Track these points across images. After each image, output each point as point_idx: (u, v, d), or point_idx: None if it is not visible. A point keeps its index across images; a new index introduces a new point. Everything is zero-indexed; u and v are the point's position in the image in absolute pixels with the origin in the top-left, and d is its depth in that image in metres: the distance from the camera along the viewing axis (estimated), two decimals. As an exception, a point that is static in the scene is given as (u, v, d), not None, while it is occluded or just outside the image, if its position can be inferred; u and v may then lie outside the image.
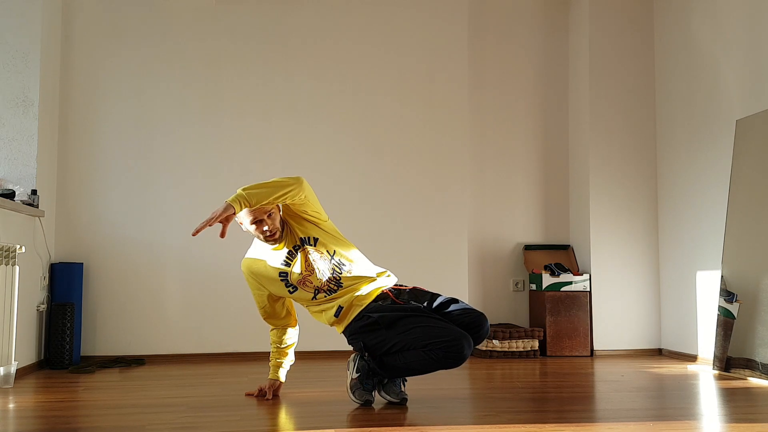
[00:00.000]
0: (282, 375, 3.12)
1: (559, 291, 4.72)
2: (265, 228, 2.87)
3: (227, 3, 4.66)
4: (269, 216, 2.86)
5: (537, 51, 5.16)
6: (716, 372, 3.94)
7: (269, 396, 3.06)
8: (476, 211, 4.97)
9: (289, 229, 2.96)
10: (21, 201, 3.73)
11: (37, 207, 3.88)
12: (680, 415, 2.81)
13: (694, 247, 4.47)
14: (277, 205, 2.90)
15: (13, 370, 3.38)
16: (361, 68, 4.79)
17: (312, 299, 2.97)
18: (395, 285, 3.04)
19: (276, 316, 3.10)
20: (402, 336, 2.78)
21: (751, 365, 3.74)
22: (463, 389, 3.38)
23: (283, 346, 3.12)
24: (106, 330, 4.37)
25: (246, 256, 3.08)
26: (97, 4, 4.52)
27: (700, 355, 4.36)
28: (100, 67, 4.50)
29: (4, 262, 3.33)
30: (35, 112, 4.03)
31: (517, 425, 2.53)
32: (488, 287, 4.98)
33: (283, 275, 2.95)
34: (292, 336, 3.15)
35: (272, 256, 2.97)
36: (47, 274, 4.15)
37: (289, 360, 3.15)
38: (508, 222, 5.05)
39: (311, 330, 3.62)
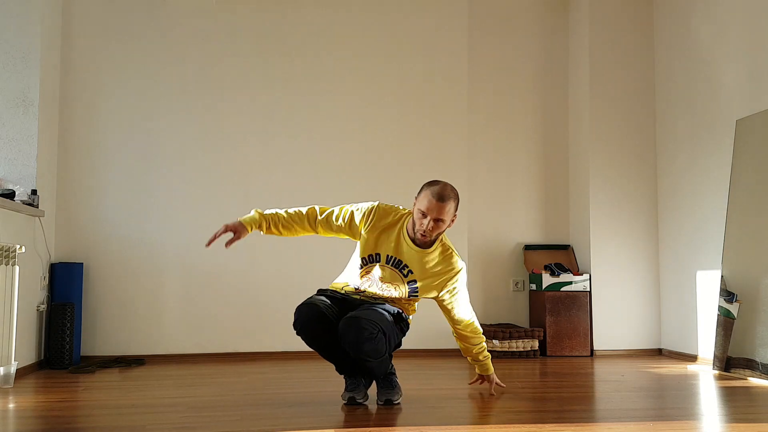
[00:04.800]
0: (253, 230, 2.91)
1: (559, 291, 4.72)
2: (431, 227, 2.80)
3: (227, 3, 4.66)
4: (442, 221, 2.80)
5: (537, 51, 5.16)
6: (716, 372, 3.94)
7: (228, 236, 2.85)
8: (476, 211, 4.97)
9: (398, 245, 2.90)
10: (21, 201, 3.73)
11: (37, 207, 3.88)
12: (680, 415, 2.81)
13: (694, 247, 4.47)
14: (452, 220, 2.85)
15: (13, 370, 3.38)
16: (361, 68, 4.79)
17: (354, 289, 2.98)
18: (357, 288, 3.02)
19: (302, 230, 2.97)
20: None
21: (751, 365, 3.74)
22: (463, 389, 3.38)
23: (279, 227, 2.95)
24: (106, 330, 4.37)
25: (383, 204, 3.00)
26: (97, 4, 4.52)
27: (700, 355, 4.36)
28: (100, 67, 4.50)
29: (4, 262, 3.33)
30: (35, 112, 4.03)
31: (517, 425, 2.53)
32: (488, 287, 4.98)
33: (364, 261, 2.94)
34: (288, 231, 3.00)
35: (383, 242, 2.91)
36: (47, 274, 4.15)
37: (268, 226, 2.96)
38: (508, 222, 5.05)
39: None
